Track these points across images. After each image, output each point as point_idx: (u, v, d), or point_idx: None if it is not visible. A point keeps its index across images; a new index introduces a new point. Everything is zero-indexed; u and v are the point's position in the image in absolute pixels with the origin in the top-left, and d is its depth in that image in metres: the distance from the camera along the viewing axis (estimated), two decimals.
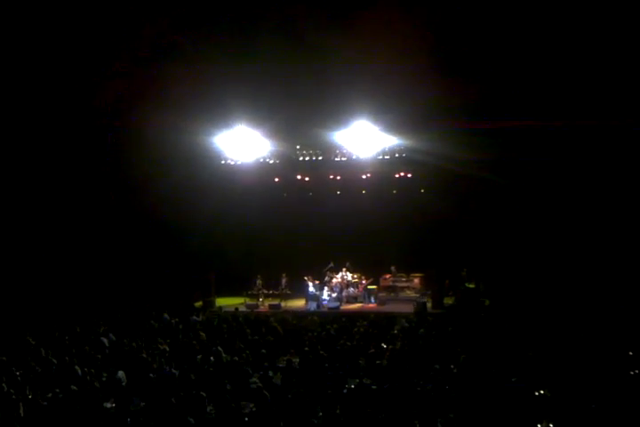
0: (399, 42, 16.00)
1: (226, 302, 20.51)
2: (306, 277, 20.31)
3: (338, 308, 19.40)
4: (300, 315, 17.75)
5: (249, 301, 20.33)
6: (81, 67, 17.35)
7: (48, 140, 18.67)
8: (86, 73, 17.45)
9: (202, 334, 14.67)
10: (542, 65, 16.08)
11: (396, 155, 19.89)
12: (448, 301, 19.24)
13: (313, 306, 19.67)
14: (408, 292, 20.86)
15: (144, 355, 12.45)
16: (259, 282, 20.69)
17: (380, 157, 20.07)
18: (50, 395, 10.38)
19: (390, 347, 12.88)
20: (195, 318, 17.29)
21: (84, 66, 17.35)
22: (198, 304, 20.03)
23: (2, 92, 17.17)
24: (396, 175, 20.94)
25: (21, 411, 10.00)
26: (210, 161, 20.70)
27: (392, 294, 20.82)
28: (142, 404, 9.97)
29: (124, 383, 11.12)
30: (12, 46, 16.44)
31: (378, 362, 11.80)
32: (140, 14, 16.45)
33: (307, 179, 21.56)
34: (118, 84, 17.80)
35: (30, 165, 18.96)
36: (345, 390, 10.44)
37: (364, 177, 21.25)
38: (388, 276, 21.14)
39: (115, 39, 17.03)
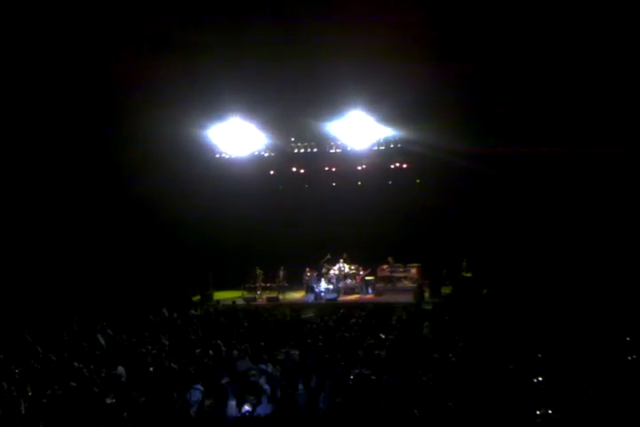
0: (393, 31, 15.91)
1: (224, 296, 20.52)
2: (308, 268, 20.37)
3: (336, 299, 19.41)
4: (298, 307, 17.77)
5: (247, 294, 20.33)
6: (74, 59, 17.21)
7: (41, 135, 18.55)
8: (79, 65, 17.31)
9: (200, 327, 14.68)
10: (538, 53, 16.00)
11: (392, 146, 19.87)
12: (445, 290, 19.29)
13: (311, 298, 19.70)
14: (405, 282, 20.89)
15: (143, 350, 12.45)
16: (257, 275, 20.69)
17: (376, 148, 20.04)
18: (49, 392, 10.37)
19: (390, 337, 12.90)
20: (193, 312, 17.30)
21: (78, 58, 17.21)
22: (196, 298, 20.04)
23: None
24: (392, 166, 20.93)
25: (22, 408, 10.00)
26: (204, 155, 20.64)
27: (389, 285, 20.84)
28: (142, 399, 9.98)
29: (123, 379, 11.13)
30: (10, 43, 16.33)
31: (377, 352, 11.83)
32: (133, 6, 16.32)
33: (302, 171, 21.53)
34: (111, 77, 17.67)
35: (24, 161, 18.85)
36: (344, 381, 10.45)
37: (359, 168, 21.25)
38: (385, 266, 21.16)
39: (107, 31, 16.89)
